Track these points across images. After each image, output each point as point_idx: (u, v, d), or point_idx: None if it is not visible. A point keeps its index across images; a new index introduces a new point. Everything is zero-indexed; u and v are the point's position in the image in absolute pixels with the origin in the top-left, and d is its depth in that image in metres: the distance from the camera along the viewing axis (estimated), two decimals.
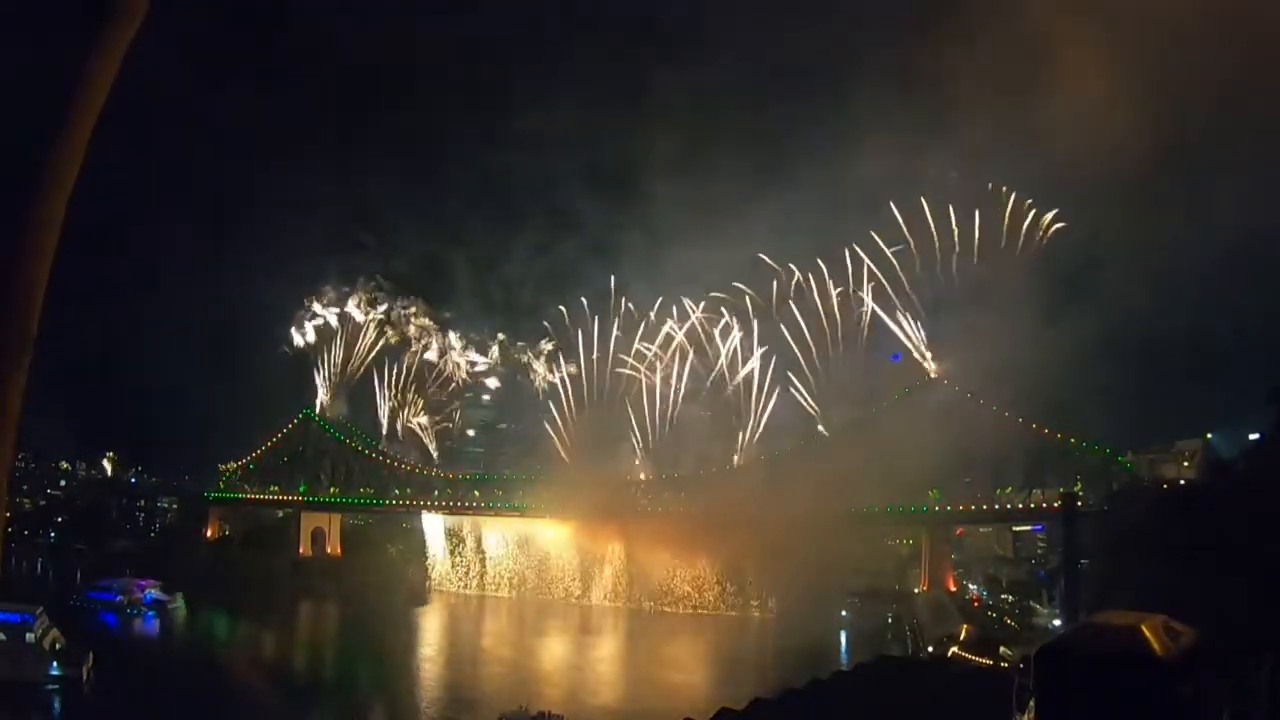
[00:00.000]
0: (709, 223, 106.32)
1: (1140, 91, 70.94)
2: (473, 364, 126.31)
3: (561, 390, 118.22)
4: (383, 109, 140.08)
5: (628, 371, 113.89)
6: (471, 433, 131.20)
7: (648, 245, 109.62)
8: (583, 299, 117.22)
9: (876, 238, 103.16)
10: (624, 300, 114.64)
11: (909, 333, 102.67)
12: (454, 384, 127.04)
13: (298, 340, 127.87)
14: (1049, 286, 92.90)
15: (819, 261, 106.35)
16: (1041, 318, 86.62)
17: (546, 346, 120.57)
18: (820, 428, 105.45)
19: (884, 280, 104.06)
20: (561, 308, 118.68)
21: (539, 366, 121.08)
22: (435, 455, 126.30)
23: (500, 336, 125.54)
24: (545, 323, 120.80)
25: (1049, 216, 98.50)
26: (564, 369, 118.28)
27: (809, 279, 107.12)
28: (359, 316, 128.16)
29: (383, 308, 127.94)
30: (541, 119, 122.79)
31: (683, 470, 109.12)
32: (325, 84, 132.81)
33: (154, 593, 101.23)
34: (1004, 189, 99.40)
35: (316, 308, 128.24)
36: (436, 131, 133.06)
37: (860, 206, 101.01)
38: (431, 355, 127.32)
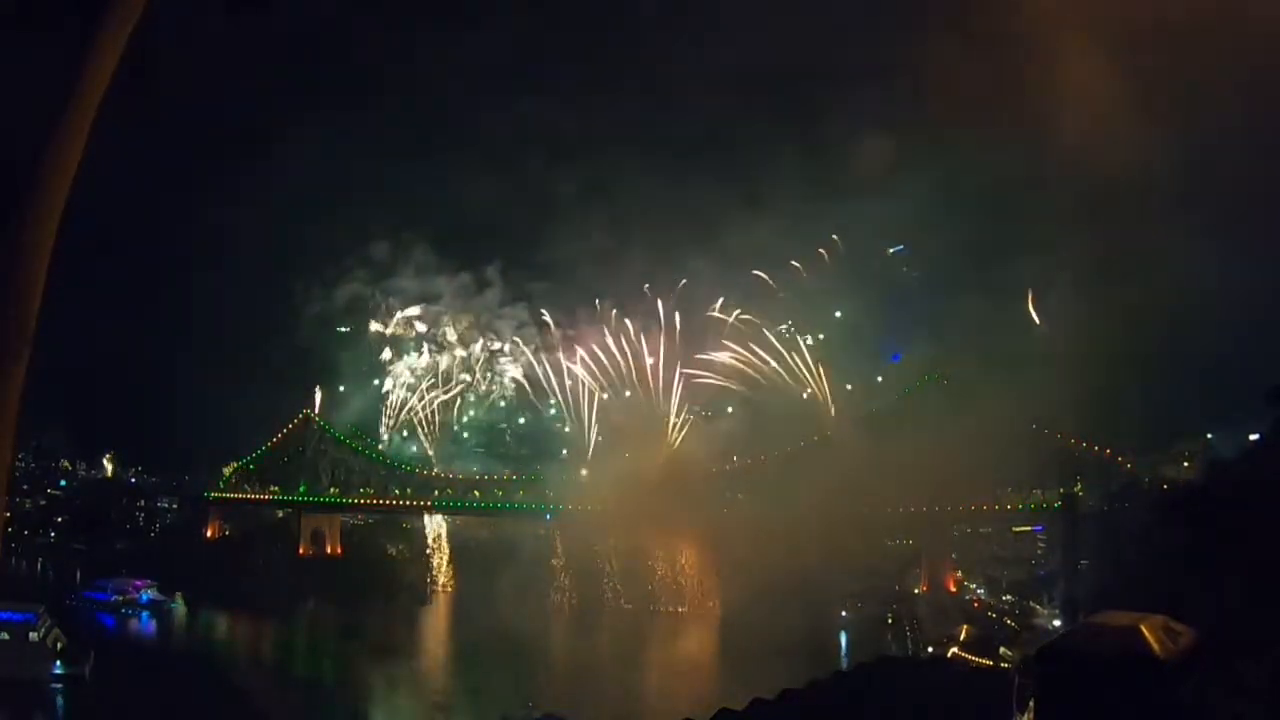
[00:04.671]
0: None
1: (1141, 92, 71.13)
2: (495, 351, 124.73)
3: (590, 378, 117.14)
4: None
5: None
6: (513, 415, 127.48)
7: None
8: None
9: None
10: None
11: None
12: (460, 379, 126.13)
13: (306, 330, 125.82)
14: (1048, 286, 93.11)
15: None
16: (1041, 318, 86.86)
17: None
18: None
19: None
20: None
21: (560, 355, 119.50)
22: (435, 455, 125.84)
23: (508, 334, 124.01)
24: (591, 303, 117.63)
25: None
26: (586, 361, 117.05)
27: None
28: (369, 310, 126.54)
29: (390, 295, 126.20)
30: None
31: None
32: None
33: (150, 593, 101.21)
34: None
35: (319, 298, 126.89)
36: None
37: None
38: (439, 349, 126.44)
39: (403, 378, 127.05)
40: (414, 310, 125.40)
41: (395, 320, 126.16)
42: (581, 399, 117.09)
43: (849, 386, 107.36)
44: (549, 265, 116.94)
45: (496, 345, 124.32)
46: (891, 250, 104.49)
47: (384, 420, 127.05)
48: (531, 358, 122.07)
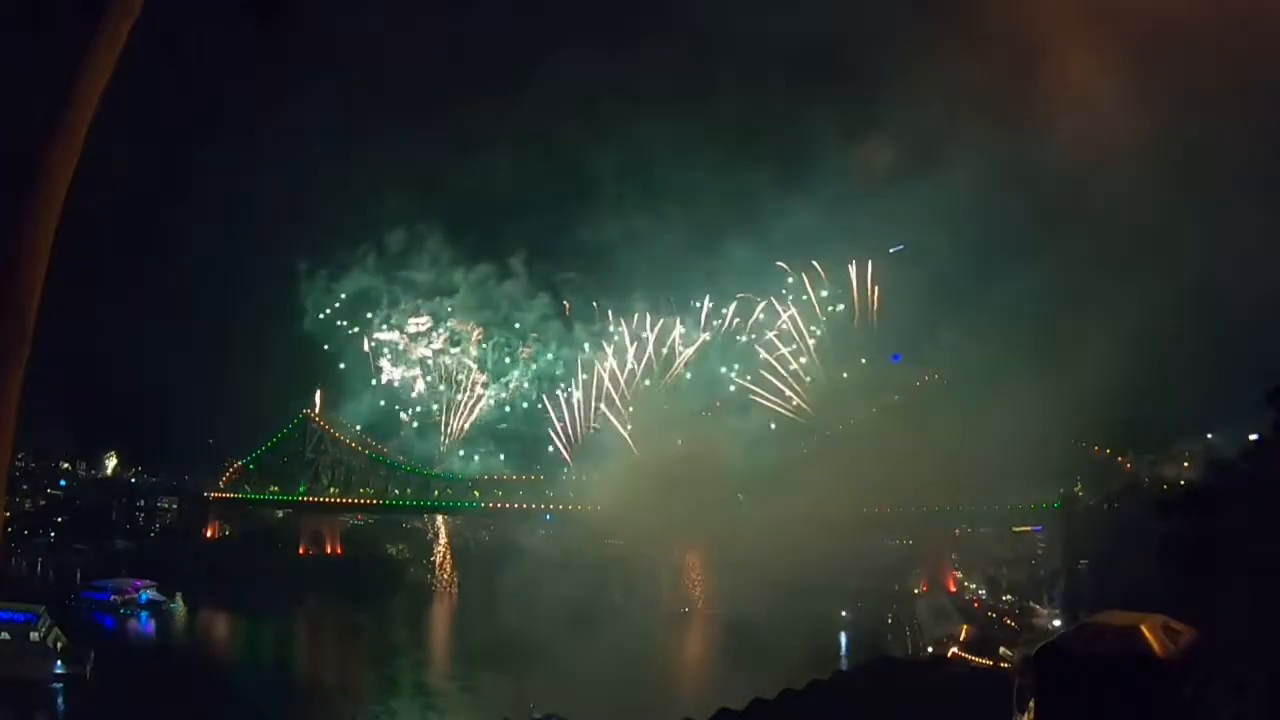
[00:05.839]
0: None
1: (1148, 95, 71.12)
2: (509, 349, 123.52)
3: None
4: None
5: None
6: (520, 414, 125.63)
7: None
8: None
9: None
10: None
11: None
12: (471, 377, 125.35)
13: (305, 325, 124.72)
14: (1047, 285, 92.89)
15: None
16: (1039, 317, 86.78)
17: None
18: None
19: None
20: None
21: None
22: (439, 454, 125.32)
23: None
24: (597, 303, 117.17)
25: None
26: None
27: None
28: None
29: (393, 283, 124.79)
30: None
31: None
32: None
33: (150, 593, 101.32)
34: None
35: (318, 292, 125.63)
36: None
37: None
38: (440, 345, 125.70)
39: (408, 375, 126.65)
40: (423, 305, 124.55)
41: (401, 312, 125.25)
42: (594, 396, 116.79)
43: (845, 375, 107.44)
44: (577, 254, 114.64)
45: (511, 342, 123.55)
46: (891, 250, 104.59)
47: (374, 410, 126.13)
48: (547, 355, 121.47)
